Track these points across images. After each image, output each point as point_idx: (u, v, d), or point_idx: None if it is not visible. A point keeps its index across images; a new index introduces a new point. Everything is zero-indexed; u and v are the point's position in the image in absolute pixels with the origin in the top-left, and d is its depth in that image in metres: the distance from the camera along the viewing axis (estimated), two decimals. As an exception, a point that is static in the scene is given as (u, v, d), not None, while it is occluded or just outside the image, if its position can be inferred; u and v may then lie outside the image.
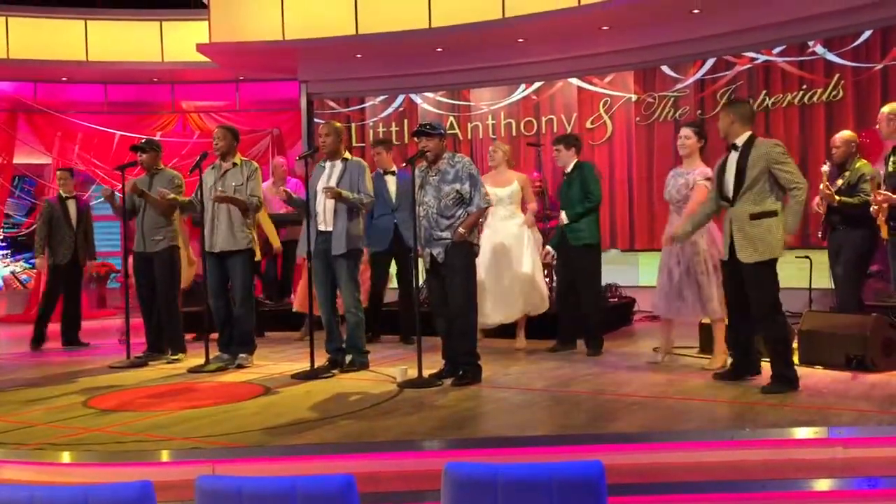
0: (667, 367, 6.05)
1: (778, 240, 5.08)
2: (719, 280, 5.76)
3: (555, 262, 7.25)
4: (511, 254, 6.99)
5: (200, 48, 10.64)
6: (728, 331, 5.68)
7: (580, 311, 6.86)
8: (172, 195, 6.78)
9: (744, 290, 5.20)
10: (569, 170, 6.92)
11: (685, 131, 6.08)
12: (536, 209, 7.37)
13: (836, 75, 9.09)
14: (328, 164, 6.29)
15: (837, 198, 6.25)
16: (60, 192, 8.40)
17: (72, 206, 8.34)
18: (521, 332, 7.30)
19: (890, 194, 5.80)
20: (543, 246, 7.25)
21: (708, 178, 5.80)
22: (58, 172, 8.67)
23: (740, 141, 5.19)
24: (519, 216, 7.12)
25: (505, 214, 7.09)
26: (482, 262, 6.56)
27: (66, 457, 4.13)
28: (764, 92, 9.57)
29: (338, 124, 6.45)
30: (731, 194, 5.19)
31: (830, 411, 4.52)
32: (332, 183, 6.15)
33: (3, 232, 12.45)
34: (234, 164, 6.61)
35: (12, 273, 12.84)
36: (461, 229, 5.58)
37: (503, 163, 7.23)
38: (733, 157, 5.21)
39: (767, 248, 5.08)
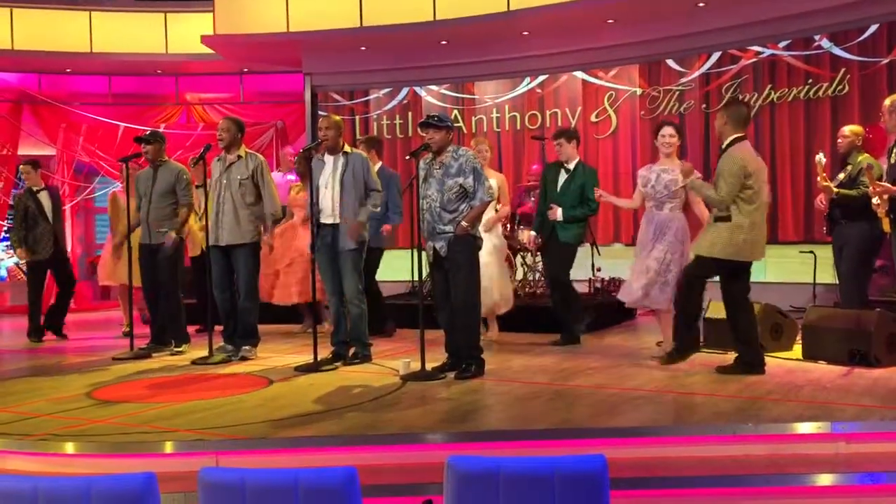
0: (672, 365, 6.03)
1: (717, 243, 5.40)
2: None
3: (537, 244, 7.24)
4: None
5: (205, 40, 10.63)
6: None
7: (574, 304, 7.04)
8: (176, 235, 6.84)
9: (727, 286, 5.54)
10: (571, 165, 6.92)
11: (669, 130, 6.17)
12: (508, 213, 7.41)
13: (843, 69, 9.06)
14: (330, 158, 6.27)
15: (836, 189, 6.23)
16: (29, 185, 8.23)
17: (44, 198, 8.22)
18: (494, 325, 7.33)
19: (888, 185, 5.75)
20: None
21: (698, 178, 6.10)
22: (21, 166, 8.46)
23: (724, 144, 5.47)
24: (489, 214, 7.02)
25: None
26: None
27: (69, 447, 4.15)
28: (769, 86, 9.54)
29: (337, 118, 6.44)
30: None
31: (833, 406, 4.51)
32: (337, 177, 6.16)
33: (8, 223, 12.47)
34: (239, 157, 6.61)
35: (16, 264, 12.86)
36: (464, 223, 5.58)
37: (487, 161, 7.18)
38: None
39: (708, 245, 5.43)
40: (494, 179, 6.99)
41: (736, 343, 5.61)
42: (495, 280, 6.98)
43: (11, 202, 12.04)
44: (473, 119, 11.37)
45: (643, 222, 6.28)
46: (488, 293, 6.80)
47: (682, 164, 5.78)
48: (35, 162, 8.57)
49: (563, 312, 7.08)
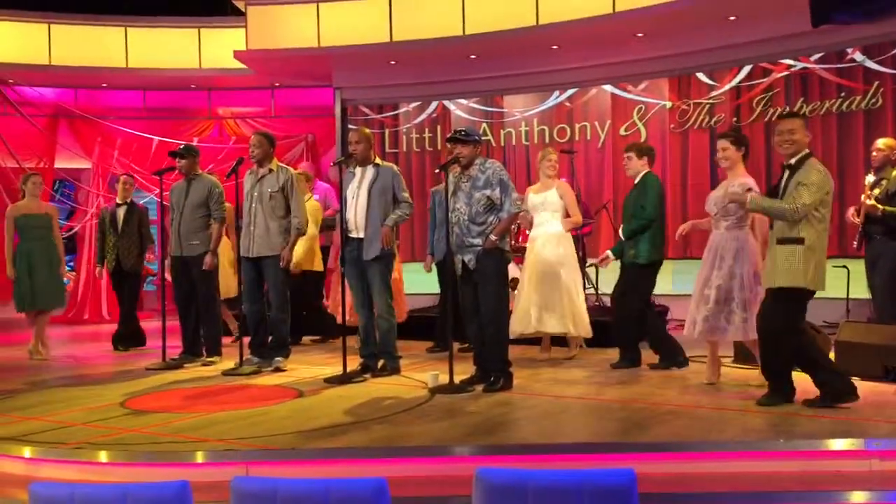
0: (700, 377, 5.97)
1: (798, 269, 4.74)
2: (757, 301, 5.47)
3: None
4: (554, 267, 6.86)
5: (237, 55, 10.78)
6: None
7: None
8: (211, 255, 6.94)
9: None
10: (637, 180, 6.55)
11: (722, 143, 5.70)
12: (577, 223, 7.01)
13: (876, 82, 8.98)
14: (359, 170, 6.35)
15: (881, 207, 6.17)
16: (118, 198, 8.47)
17: (120, 213, 8.36)
18: (546, 343, 7.10)
19: None
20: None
21: (749, 189, 5.38)
22: (122, 177, 8.66)
23: (795, 160, 4.86)
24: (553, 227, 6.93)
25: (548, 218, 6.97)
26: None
27: (104, 456, 4.21)
28: (801, 99, 9.49)
29: (367, 131, 6.50)
30: None
31: (867, 423, 4.46)
32: (365, 187, 6.22)
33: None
34: (271, 170, 6.70)
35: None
36: (493, 236, 5.60)
37: (556, 171, 7.06)
38: (787, 175, 4.89)
39: (785, 276, 4.77)
40: (555, 189, 6.88)
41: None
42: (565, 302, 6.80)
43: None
44: (502, 132, 11.40)
45: (708, 244, 5.81)
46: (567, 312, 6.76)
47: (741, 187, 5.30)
48: (132, 176, 8.88)
49: (623, 332, 6.66)
